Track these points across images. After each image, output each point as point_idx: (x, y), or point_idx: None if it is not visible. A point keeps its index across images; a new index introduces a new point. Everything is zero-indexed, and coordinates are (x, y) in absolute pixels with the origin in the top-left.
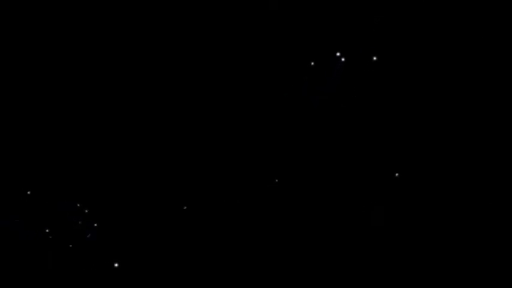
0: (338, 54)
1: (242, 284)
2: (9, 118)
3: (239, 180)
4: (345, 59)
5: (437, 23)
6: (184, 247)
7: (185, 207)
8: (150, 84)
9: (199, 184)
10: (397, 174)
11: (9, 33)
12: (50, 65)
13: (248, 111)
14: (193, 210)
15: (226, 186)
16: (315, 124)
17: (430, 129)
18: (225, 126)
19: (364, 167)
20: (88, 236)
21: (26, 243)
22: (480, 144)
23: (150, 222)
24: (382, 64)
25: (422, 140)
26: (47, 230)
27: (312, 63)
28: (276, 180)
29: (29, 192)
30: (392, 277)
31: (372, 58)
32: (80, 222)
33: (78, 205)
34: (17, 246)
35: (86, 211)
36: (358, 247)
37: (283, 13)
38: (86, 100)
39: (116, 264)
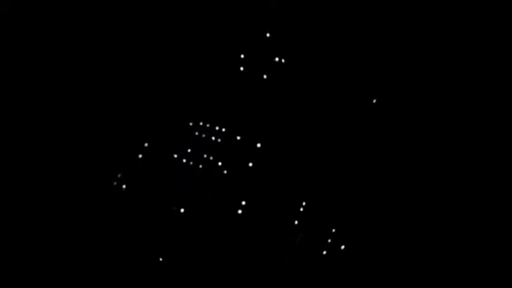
0: (338, 55)
1: (242, 284)
2: (9, 118)
3: (239, 180)
4: (345, 61)
5: (437, 24)
6: (184, 247)
7: (184, 208)
8: (150, 84)
9: (199, 184)
10: (396, 176)
11: (9, 33)
12: (50, 65)
13: (248, 112)
14: (193, 211)
15: (226, 187)
16: (316, 124)
17: (431, 129)
18: (225, 127)
19: (364, 167)
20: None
21: (26, 243)
22: (480, 144)
23: (150, 222)
24: (382, 65)
25: (423, 139)
26: (49, 230)
27: (313, 65)
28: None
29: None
30: (393, 277)
31: (372, 60)
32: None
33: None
34: (17, 246)
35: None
36: (358, 247)
37: (283, 17)
38: (86, 100)
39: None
